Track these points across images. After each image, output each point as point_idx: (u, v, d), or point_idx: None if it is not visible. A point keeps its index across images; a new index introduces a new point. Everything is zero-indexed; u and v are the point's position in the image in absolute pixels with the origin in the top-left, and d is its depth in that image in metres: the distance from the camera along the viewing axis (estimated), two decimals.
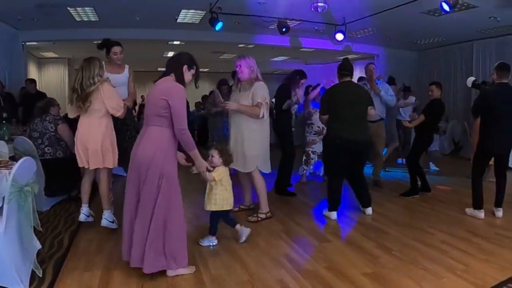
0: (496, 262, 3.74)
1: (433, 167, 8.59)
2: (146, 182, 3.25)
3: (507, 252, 4.01)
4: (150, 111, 3.36)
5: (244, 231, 4.16)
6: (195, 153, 3.45)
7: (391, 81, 8.40)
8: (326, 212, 5.24)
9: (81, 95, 4.14)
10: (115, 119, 4.47)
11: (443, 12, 7.45)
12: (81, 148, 4.23)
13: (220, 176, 3.92)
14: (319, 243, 4.33)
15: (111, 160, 4.35)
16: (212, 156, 3.97)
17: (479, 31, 10.26)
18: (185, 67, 3.44)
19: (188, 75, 3.48)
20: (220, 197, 3.97)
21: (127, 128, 5.02)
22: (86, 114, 4.24)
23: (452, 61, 12.37)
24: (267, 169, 5.00)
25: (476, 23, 9.32)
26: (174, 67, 3.45)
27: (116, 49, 4.89)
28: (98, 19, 8.71)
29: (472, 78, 6.14)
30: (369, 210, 5.33)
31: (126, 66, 5.05)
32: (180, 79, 3.41)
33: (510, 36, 10.30)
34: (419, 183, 6.34)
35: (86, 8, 7.95)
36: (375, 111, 5.36)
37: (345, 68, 5.16)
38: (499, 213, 5.15)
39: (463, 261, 3.77)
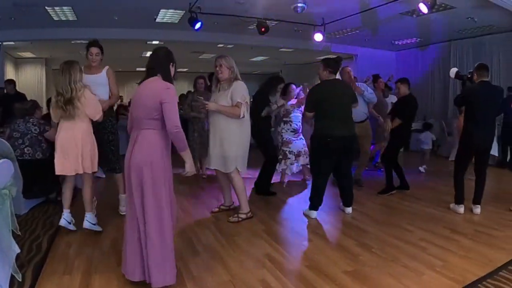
0: (475, 258, 3.82)
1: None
2: (148, 188, 3.08)
3: (486, 248, 4.09)
4: (141, 114, 3.17)
5: None
6: (188, 153, 3.28)
7: (376, 78, 8.35)
8: (306, 211, 5.27)
9: (65, 100, 4.12)
10: (93, 122, 4.44)
11: (421, 13, 7.55)
12: (61, 152, 4.19)
13: None
14: (300, 242, 4.37)
15: (93, 164, 4.35)
16: None
17: (456, 32, 10.45)
18: (170, 64, 3.33)
19: (172, 71, 3.36)
20: None
21: (105, 131, 4.94)
22: (67, 119, 4.21)
23: (429, 61, 12.56)
24: (244, 170, 5.00)
25: (454, 24, 9.50)
26: (160, 66, 3.27)
27: (93, 50, 4.80)
28: (76, 19, 8.59)
29: (455, 69, 6.25)
30: (349, 209, 5.37)
31: (106, 67, 4.97)
32: (168, 78, 3.27)
33: (487, 36, 10.52)
34: (399, 181, 6.43)
35: (64, 8, 7.83)
36: (362, 111, 5.41)
37: (330, 66, 5.17)
38: (477, 210, 5.23)
39: (443, 258, 3.84)
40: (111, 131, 4.99)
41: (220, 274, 3.45)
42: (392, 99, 8.84)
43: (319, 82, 5.34)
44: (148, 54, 11.11)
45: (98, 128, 4.66)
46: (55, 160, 4.24)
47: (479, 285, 3.27)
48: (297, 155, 6.79)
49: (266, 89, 6.41)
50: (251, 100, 6.00)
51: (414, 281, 3.35)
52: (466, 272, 3.51)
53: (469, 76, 5.60)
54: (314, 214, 5.20)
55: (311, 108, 5.20)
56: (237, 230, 4.54)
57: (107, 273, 3.40)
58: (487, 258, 3.81)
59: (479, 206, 5.26)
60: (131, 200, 3.15)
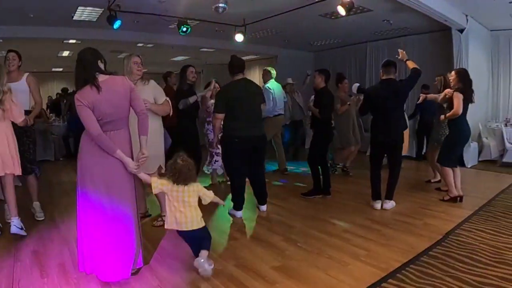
0: (397, 246, 4.06)
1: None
2: (122, 185, 3.29)
3: (406, 236, 4.36)
4: (118, 114, 3.23)
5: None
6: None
7: (341, 79, 8.12)
8: (231, 211, 5.29)
9: None
10: (14, 126, 4.35)
11: (339, 15, 7.80)
12: None
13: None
14: (226, 241, 4.38)
15: (18, 166, 4.31)
16: None
17: (373, 33, 10.95)
18: (98, 61, 3.26)
19: (102, 67, 3.32)
20: None
21: (24, 134, 4.73)
22: None
23: (347, 62, 13.04)
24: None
25: (370, 26, 9.92)
26: (92, 66, 3.20)
27: (9, 55, 4.71)
28: None
29: (356, 85, 6.52)
30: (263, 207, 5.42)
31: (25, 75, 4.81)
32: (105, 73, 3.28)
33: (401, 37, 11.10)
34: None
35: None
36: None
37: (236, 66, 5.15)
38: (386, 205, 5.41)
39: (366, 247, 4.04)
40: (31, 138, 4.90)
41: (148, 280, 3.37)
42: None
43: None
44: (65, 53, 10.65)
45: (18, 132, 4.51)
46: None
47: (402, 271, 3.47)
48: None
49: (179, 81, 6.31)
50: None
51: (340, 272, 3.49)
52: (390, 259, 3.72)
53: (369, 88, 5.83)
54: (238, 213, 5.22)
55: (220, 109, 5.00)
56: (162, 234, 4.45)
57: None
58: (408, 245, 4.06)
59: (388, 201, 5.43)
60: (108, 200, 3.20)
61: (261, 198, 5.43)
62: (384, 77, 5.32)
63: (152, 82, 4.67)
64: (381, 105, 5.24)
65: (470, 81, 5.56)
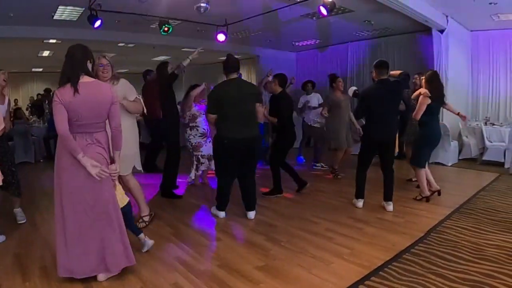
0: (379, 244, 4.09)
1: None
2: (101, 188, 3.25)
3: (388, 234, 4.39)
4: (94, 119, 3.16)
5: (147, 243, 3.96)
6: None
7: (334, 78, 7.85)
8: (214, 211, 5.24)
9: None
10: None
11: (320, 16, 7.80)
12: None
13: None
14: (209, 242, 4.35)
15: None
16: None
17: (354, 34, 11.04)
18: (88, 61, 3.23)
19: (90, 68, 3.28)
20: None
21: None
22: None
23: (328, 62, 13.12)
24: (140, 166, 4.88)
25: (352, 26, 10.01)
26: (80, 66, 3.15)
27: None
28: None
29: (353, 88, 6.54)
30: (251, 214, 5.12)
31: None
32: (92, 75, 3.24)
33: (382, 38, 11.25)
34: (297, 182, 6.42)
35: None
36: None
37: (230, 65, 5.00)
38: (389, 207, 5.32)
39: (349, 246, 4.06)
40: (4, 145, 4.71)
41: (132, 282, 3.32)
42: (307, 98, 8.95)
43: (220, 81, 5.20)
44: (45, 53, 10.46)
45: None
46: None
47: (385, 268, 3.49)
48: (209, 158, 6.60)
49: (161, 73, 6.09)
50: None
51: (323, 270, 3.50)
52: (372, 257, 3.74)
53: (363, 91, 5.85)
54: (221, 214, 5.18)
55: (212, 110, 4.94)
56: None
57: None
58: (390, 243, 4.09)
59: (390, 202, 5.33)
60: (83, 199, 3.18)
61: (247, 203, 5.15)
62: (378, 78, 5.31)
63: (122, 80, 4.44)
64: (378, 105, 5.20)
65: (440, 84, 5.64)
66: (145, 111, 4.59)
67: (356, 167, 5.55)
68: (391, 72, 5.48)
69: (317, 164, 8.64)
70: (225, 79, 5.07)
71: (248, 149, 4.93)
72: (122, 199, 3.61)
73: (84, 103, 3.05)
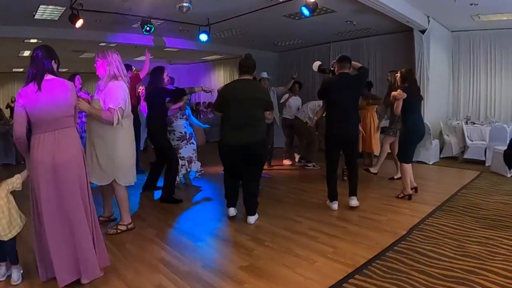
0: (362, 242, 4.11)
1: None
2: (69, 186, 3.17)
3: (371, 232, 4.41)
4: (57, 114, 3.11)
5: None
6: None
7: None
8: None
9: None
10: None
11: (303, 16, 7.84)
12: None
13: None
14: (193, 243, 4.30)
15: None
16: None
17: (336, 34, 11.10)
18: (53, 61, 3.20)
19: (55, 68, 3.24)
20: None
21: None
22: None
23: (311, 62, 13.03)
24: (129, 181, 4.46)
25: (334, 27, 10.07)
26: (43, 65, 3.13)
27: None
28: None
29: (318, 62, 6.55)
30: (250, 219, 4.92)
31: None
32: (57, 75, 3.22)
33: (364, 38, 11.35)
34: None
35: None
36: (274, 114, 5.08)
37: (242, 64, 4.91)
38: (353, 201, 5.34)
39: (332, 244, 4.07)
40: None
41: (116, 285, 3.28)
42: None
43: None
44: (26, 53, 10.34)
45: None
46: None
47: (369, 266, 3.51)
48: (190, 160, 6.60)
49: (158, 84, 5.94)
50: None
51: (307, 269, 3.51)
52: (356, 255, 3.76)
53: (332, 68, 5.88)
54: (230, 210, 5.06)
55: (218, 107, 4.88)
56: (128, 237, 4.35)
57: None
58: (373, 241, 4.12)
59: (354, 197, 5.35)
60: (52, 202, 3.13)
61: (247, 208, 4.96)
62: (339, 71, 5.32)
63: (110, 84, 4.14)
64: (335, 97, 5.20)
65: (414, 79, 5.81)
66: (115, 123, 4.01)
67: (326, 168, 5.46)
68: (353, 63, 5.46)
69: (309, 164, 8.59)
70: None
71: (248, 154, 4.73)
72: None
73: (46, 98, 3.06)
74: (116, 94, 4.04)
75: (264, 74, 8.37)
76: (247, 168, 4.85)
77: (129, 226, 4.64)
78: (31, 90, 3.03)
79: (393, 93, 5.60)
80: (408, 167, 5.71)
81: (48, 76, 3.13)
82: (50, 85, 3.10)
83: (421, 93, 5.84)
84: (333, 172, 5.38)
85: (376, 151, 7.90)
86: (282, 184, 7.10)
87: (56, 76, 3.21)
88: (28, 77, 3.10)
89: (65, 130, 3.18)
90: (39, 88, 3.02)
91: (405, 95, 5.42)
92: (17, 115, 3.04)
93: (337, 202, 5.39)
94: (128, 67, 7.25)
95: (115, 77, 4.14)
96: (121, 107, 4.03)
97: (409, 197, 5.71)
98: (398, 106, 5.50)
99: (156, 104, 5.85)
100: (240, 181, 5.06)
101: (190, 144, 6.61)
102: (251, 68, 4.93)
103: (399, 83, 5.73)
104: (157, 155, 6.26)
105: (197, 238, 4.44)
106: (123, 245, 4.14)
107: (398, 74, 5.81)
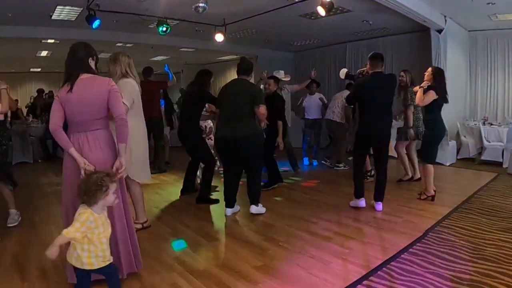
0: (377, 244, 4.09)
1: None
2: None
3: (386, 234, 4.39)
4: (86, 117, 3.07)
5: None
6: (125, 146, 3.24)
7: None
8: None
9: None
10: None
11: (319, 16, 7.82)
12: None
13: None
14: (208, 242, 4.33)
15: None
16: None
17: (352, 34, 11.04)
18: (90, 59, 3.21)
19: (93, 65, 3.25)
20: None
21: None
22: None
23: (326, 62, 13.12)
24: (143, 177, 4.60)
25: (350, 26, 10.01)
26: (80, 65, 3.13)
27: None
28: None
29: (345, 70, 6.53)
30: (251, 208, 5.19)
31: None
32: (94, 73, 3.21)
33: (380, 38, 11.26)
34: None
35: None
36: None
37: (239, 67, 5.19)
38: (378, 206, 5.29)
39: (347, 245, 4.06)
40: (5, 140, 4.74)
41: (130, 283, 3.31)
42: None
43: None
44: (43, 53, 10.45)
45: None
46: None
47: (384, 268, 3.49)
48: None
49: (205, 84, 5.86)
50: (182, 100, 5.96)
51: (322, 270, 3.49)
52: (371, 257, 3.74)
53: (361, 75, 5.85)
54: (227, 211, 5.20)
55: (216, 104, 5.42)
56: (143, 236, 4.37)
57: None
58: (389, 243, 4.09)
59: (380, 203, 5.30)
60: None
61: (250, 198, 5.24)
62: (371, 70, 5.24)
63: (119, 82, 4.27)
64: (369, 98, 5.12)
65: (445, 82, 5.61)
66: None
67: (353, 166, 5.49)
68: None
69: (339, 165, 8.49)
70: None
71: (237, 149, 4.95)
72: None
73: (79, 98, 3.03)
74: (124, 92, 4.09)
75: (281, 74, 8.29)
76: (242, 162, 5.14)
77: (144, 225, 4.70)
78: (64, 90, 3.04)
79: (421, 85, 5.55)
80: (432, 167, 5.64)
81: (83, 76, 3.10)
82: (83, 86, 3.06)
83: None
84: (360, 171, 5.42)
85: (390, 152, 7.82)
86: (297, 185, 7.09)
87: (94, 74, 3.18)
88: (65, 75, 3.11)
89: (96, 132, 3.13)
90: (71, 89, 3.02)
91: (428, 83, 5.42)
92: (53, 108, 3.04)
93: (364, 199, 5.38)
94: (149, 70, 7.38)
95: (122, 76, 4.34)
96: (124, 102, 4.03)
97: (432, 198, 5.64)
98: (423, 100, 5.38)
99: (197, 105, 5.88)
100: (240, 182, 5.38)
101: (208, 140, 6.59)
102: (245, 69, 5.21)
103: (427, 79, 5.56)
104: (191, 155, 6.14)
105: (212, 237, 4.47)
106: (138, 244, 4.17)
107: (429, 70, 5.65)
